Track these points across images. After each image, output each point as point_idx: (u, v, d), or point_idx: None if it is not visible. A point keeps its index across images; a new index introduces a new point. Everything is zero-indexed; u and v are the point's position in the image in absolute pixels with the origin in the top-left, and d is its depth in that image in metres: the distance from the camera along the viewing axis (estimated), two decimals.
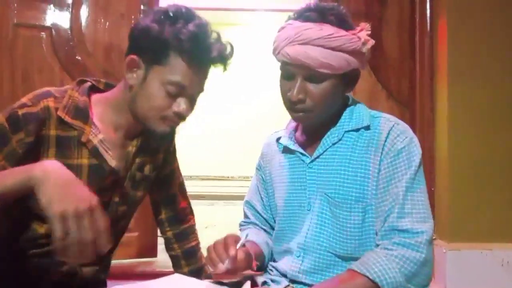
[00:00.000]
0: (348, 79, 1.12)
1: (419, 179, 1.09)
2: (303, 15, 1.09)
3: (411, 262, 1.01)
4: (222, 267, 0.99)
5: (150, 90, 1.10)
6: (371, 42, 1.08)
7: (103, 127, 1.15)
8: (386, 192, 1.07)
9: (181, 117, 1.13)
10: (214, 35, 1.12)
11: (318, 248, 1.12)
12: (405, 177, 1.07)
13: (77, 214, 0.84)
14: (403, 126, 1.13)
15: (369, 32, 1.09)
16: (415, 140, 1.12)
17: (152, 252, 2.78)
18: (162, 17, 1.09)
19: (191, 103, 1.15)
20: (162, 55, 1.08)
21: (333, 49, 1.05)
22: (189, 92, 1.12)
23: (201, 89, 1.16)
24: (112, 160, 1.15)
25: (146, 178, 1.27)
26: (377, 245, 1.07)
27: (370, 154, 1.10)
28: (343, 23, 1.08)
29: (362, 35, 1.07)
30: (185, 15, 1.10)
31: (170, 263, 1.43)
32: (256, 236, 1.25)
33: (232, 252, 0.99)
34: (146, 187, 1.30)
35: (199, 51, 1.09)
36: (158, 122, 1.12)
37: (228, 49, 1.16)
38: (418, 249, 1.02)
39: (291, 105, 1.11)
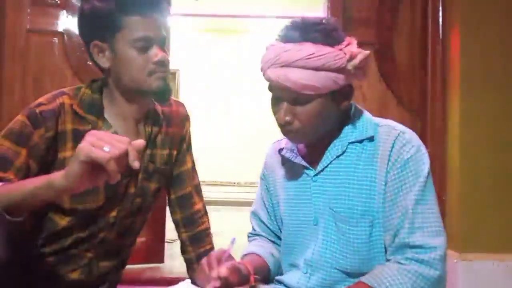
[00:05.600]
0: (339, 95, 1.07)
1: (429, 189, 1.04)
2: (285, 35, 1.06)
3: (424, 278, 0.98)
4: (210, 287, 0.97)
5: (124, 57, 1.15)
6: (362, 55, 1.03)
7: (113, 120, 1.21)
8: (395, 205, 1.03)
9: (162, 64, 1.17)
10: None
11: (325, 265, 1.09)
12: (414, 188, 1.02)
13: (98, 137, 0.86)
14: (409, 134, 1.08)
15: (355, 46, 1.04)
16: (423, 148, 1.07)
17: (159, 258, 2.77)
18: None
19: (163, 49, 1.18)
20: (116, 23, 1.13)
21: (315, 69, 1.00)
22: (155, 40, 1.16)
23: (163, 35, 1.19)
24: None
25: (158, 170, 1.30)
26: (388, 260, 1.04)
27: (375, 165, 1.06)
28: (328, 39, 1.03)
29: (347, 50, 1.02)
30: None
31: (176, 269, 1.44)
32: (260, 248, 1.23)
33: (213, 274, 0.97)
34: (160, 180, 1.32)
35: None
36: (148, 80, 1.17)
37: None
38: (432, 266, 0.98)
39: (280, 127, 1.10)
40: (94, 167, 0.86)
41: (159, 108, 1.30)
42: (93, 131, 0.89)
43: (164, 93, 1.20)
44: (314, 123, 1.06)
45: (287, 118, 1.06)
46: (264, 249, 1.23)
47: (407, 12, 2.74)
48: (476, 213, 2.41)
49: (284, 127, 1.08)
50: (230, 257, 1.03)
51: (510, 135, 2.45)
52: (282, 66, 1.02)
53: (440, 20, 2.67)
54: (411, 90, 2.75)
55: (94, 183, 0.90)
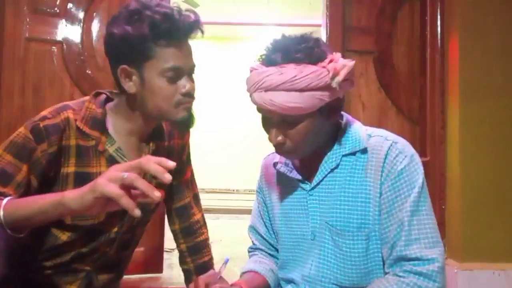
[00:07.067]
0: (328, 110, 1.05)
1: (424, 199, 1.03)
2: (267, 58, 1.04)
3: None
4: None
5: (153, 86, 1.12)
6: (346, 69, 1.00)
7: (117, 135, 1.19)
8: (390, 217, 1.02)
9: (190, 95, 1.15)
10: (176, 9, 1.13)
11: (323, 280, 1.08)
12: (409, 199, 1.01)
13: (117, 169, 0.87)
14: (402, 143, 1.07)
15: (339, 61, 1.01)
16: (416, 157, 1.06)
17: (158, 268, 2.74)
18: (130, 16, 1.10)
19: (191, 79, 1.16)
20: (148, 51, 1.10)
21: (300, 90, 0.99)
22: (185, 70, 1.14)
23: (193, 64, 1.17)
24: None
25: (161, 185, 1.27)
26: (386, 273, 1.03)
27: (369, 177, 1.05)
28: (310, 57, 1.01)
29: (331, 68, 1.00)
30: (146, 4, 1.11)
31: (175, 279, 1.43)
32: (258, 265, 1.22)
33: None
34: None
35: (176, 28, 1.11)
36: (175, 110, 1.14)
37: (193, 14, 1.16)
38: (430, 278, 0.97)
39: (274, 146, 1.09)
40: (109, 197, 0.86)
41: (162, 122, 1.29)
42: (114, 166, 0.89)
43: (188, 123, 1.18)
44: (306, 141, 1.06)
45: (279, 139, 1.06)
46: (263, 265, 1.22)
47: (406, 21, 2.76)
48: (476, 222, 2.40)
49: (277, 147, 1.08)
50: (221, 280, 1.03)
51: (510, 144, 2.45)
52: (266, 91, 1.01)
53: (439, 28, 2.69)
54: (410, 98, 2.75)
55: (108, 209, 0.91)
